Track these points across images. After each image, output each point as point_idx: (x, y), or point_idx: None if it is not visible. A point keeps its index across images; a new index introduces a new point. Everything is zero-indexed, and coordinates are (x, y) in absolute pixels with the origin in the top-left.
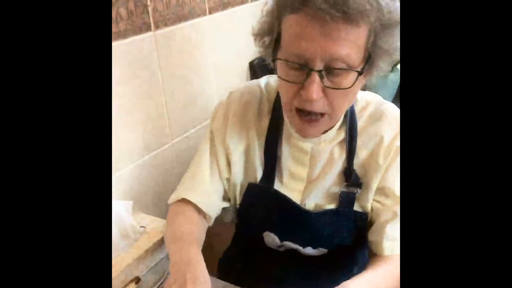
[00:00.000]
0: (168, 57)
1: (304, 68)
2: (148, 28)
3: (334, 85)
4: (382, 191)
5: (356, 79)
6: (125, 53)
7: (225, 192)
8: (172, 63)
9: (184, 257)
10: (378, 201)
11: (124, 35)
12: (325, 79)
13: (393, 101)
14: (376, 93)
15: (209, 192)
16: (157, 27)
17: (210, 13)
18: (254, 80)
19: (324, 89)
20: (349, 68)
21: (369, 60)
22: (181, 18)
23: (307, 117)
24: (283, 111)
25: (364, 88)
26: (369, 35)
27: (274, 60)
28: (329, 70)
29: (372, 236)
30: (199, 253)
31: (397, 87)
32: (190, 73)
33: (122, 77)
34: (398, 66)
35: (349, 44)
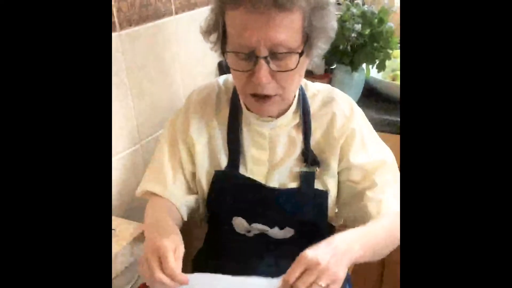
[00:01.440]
0: (134, 58)
1: (251, 56)
2: (113, 29)
3: (280, 68)
4: (348, 171)
5: (299, 60)
6: None
7: (189, 186)
8: (139, 64)
9: (157, 232)
10: (348, 180)
11: None
12: (272, 64)
13: (359, 100)
14: (343, 91)
15: (173, 186)
16: (122, 27)
17: (176, 13)
18: (213, 80)
19: (272, 73)
20: (290, 51)
21: (308, 41)
22: (146, 18)
23: (262, 98)
24: (240, 98)
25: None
26: (303, 18)
27: (223, 53)
28: (274, 55)
29: (355, 210)
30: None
31: (362, 86)
32: (157, 74)
33: None
34: (364, 66)
35: (286, 29)
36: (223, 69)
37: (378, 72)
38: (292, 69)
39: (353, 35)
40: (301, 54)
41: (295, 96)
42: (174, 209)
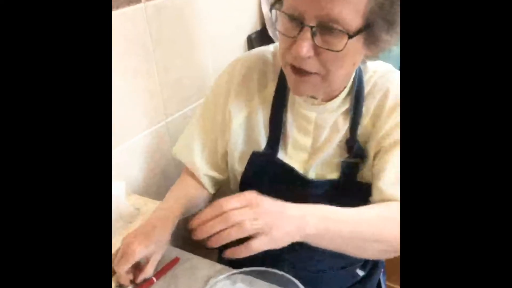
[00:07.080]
0: (161, 31)
1: (297, 21)
2: (138, 0)
3: (326, 45)
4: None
5: (346, 42)
6: (113, 26)
7: (217, 162)
8: (165, 37)
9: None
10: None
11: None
12: (318, 37)
13: None
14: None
15: (199, 159)
16: None
17: None
18: (263, 47)
19: (316, 48)
20: (342, 30)
21: (368, 29)
22: None
23: (299, 72)
24: (282, 67)
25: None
26: (369, 1)
27: (271, 9)
28: (323, 28)
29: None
30: (167, 217)
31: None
32: (184, 47)
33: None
34: None
35: (345, 4)
36: (252, 43)
37: None
38: (338, 51)
39: None
40: (350, 37)
41: (349, 81)
42: (195, 193)
